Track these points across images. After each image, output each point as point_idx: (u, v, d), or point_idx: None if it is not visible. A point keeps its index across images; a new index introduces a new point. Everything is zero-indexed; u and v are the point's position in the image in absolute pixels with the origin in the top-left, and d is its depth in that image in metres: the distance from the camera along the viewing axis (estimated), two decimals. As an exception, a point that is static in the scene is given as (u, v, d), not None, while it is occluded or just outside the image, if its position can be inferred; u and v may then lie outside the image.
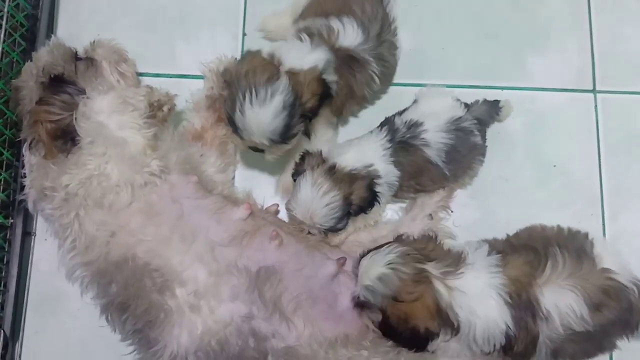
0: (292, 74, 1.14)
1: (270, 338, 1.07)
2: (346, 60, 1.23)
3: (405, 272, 1.03)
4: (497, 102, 1.34)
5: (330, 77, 1.19)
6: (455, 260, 1.06)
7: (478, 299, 1.02)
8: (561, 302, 1.03)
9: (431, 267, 1.04)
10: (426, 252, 1.08)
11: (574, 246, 1.10)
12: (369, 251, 1.10)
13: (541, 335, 1.04)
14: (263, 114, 1.12)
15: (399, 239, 1.13)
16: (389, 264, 1.04)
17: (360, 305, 1.08)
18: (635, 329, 1.10)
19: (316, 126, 1.29)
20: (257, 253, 1.13)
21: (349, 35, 1.23)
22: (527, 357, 1.07)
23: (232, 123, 1.17)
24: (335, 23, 1.24)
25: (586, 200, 1.38)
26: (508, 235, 1.19)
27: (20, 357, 1.29)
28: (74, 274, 1.16)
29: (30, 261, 1.34)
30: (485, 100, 1.33)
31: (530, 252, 1.09)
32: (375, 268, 1.04)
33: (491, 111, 1.33)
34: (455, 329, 1.03)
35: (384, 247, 1.08)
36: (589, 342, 1.07)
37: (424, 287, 1.02)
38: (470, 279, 1.04)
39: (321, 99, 1.18)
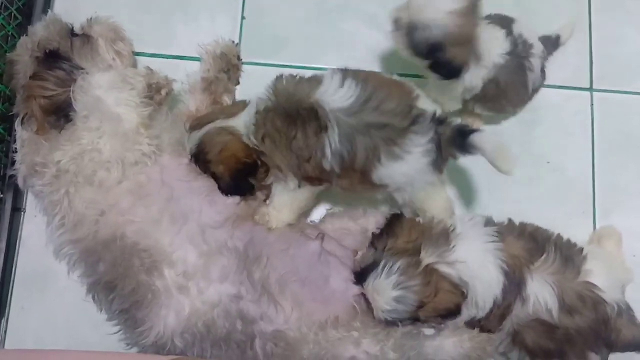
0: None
1: (258, 320, 1.07)
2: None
3: (416, 284, 1.02)
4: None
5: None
6: (443, 235, 1.07)
7: (477, 263, 1.05)
8: (540, 292, 1.07)
9: (427, 257, 1.04)
10: (416, 243, 1.07)
11: (565, 252, 1.12)
12: (363, 267, 1.07)
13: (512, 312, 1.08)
14: None
15: (376, 239, 1.10)
16: (397, 285, 1.03)
17: (392, 323, 1.07)
18: (609, 345, 1.11)
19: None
20: (247, 234, 1.13)
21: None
22: (493, 329, 1.11)
23: None
24: None
25: (578, 197, 1.38)
26: (511, 219, 1.19)
27: (5, 332, 1.28)
28: (62, 251, 1.16)
29: (18, 237, 1.32)
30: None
31: (531, 241, 1.12)
32: (385, 293, 1.03)
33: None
34: (465, 295, 1.06)
35: (379, 268, 1.04)
36: (550, 339, 1.09)
37: (435, 277, 1.03)
38: (464, 247, 1.06)
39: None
